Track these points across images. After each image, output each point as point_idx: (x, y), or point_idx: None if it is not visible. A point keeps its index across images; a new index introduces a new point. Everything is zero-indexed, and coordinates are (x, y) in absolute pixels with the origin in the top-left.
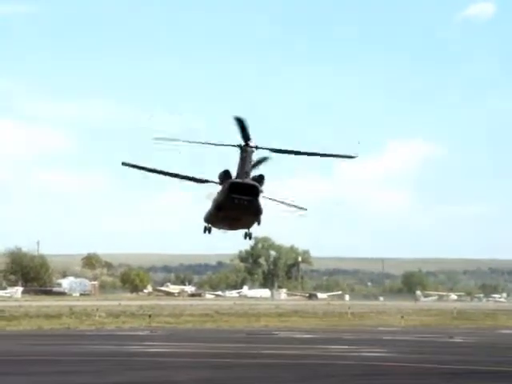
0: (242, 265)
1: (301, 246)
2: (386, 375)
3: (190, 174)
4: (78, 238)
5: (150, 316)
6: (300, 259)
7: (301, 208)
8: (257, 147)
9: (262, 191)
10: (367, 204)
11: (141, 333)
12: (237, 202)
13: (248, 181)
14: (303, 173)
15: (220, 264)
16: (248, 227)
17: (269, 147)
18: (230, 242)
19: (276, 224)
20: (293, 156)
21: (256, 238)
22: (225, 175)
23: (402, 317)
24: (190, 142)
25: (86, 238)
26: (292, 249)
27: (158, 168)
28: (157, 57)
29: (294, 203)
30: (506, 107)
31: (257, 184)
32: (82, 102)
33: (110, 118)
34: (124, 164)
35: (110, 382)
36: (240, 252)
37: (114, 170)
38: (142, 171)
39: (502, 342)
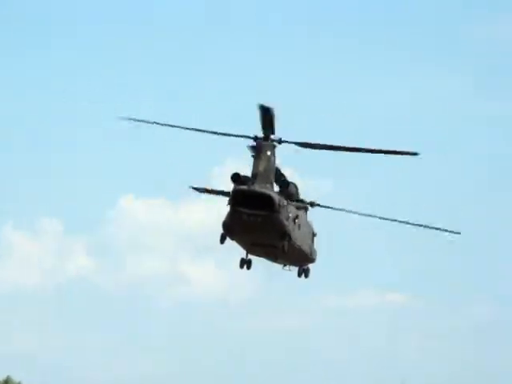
0: None
1: None
2: None
3: None
4: None
5: None
6: None
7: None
8: (280, 141)
9: (282, 204)
10: None
11: None
12: (245, 219)
13: (257, 187)
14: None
15: None
16: (295, 260)
17: (296, 141)
18: None
19: None
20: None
21: None
22: (234, 180)
23: None
24: (187, 129)
25: None
26: None
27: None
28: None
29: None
30: None
31: (270, 192)
32: None
33: None
34: (194, 189)
35: None
36: None
37: None
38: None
39: None
